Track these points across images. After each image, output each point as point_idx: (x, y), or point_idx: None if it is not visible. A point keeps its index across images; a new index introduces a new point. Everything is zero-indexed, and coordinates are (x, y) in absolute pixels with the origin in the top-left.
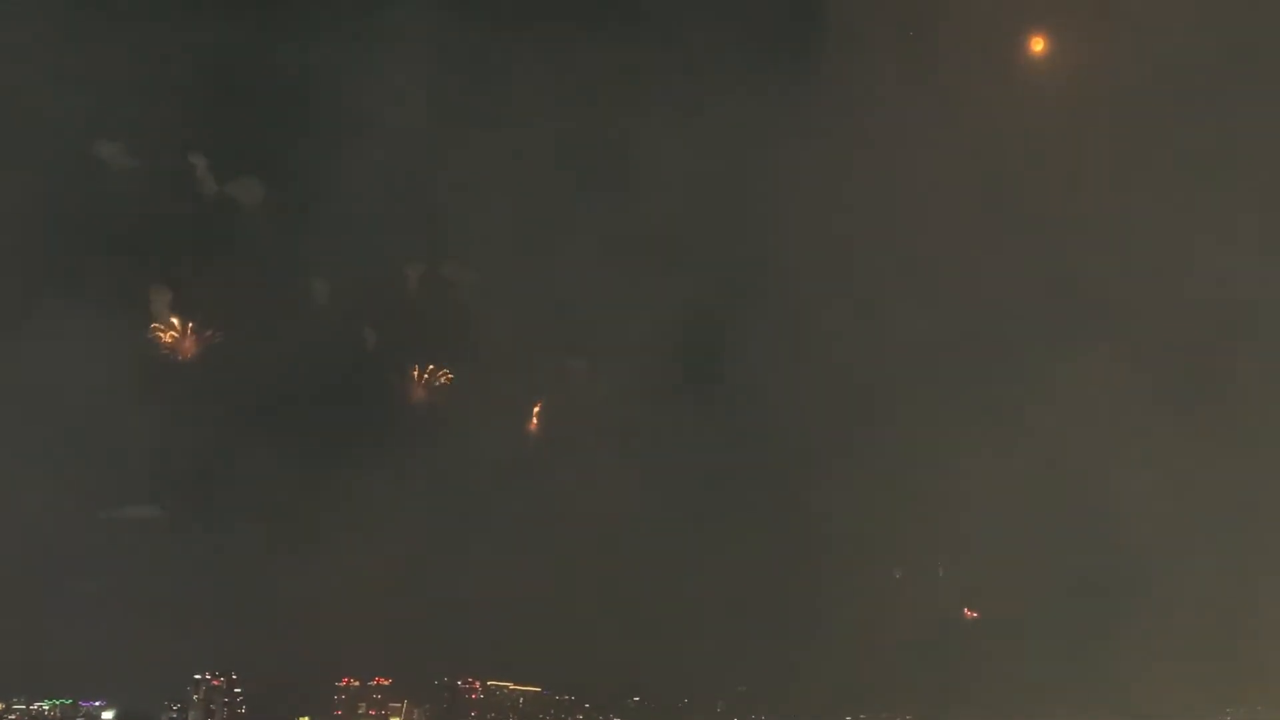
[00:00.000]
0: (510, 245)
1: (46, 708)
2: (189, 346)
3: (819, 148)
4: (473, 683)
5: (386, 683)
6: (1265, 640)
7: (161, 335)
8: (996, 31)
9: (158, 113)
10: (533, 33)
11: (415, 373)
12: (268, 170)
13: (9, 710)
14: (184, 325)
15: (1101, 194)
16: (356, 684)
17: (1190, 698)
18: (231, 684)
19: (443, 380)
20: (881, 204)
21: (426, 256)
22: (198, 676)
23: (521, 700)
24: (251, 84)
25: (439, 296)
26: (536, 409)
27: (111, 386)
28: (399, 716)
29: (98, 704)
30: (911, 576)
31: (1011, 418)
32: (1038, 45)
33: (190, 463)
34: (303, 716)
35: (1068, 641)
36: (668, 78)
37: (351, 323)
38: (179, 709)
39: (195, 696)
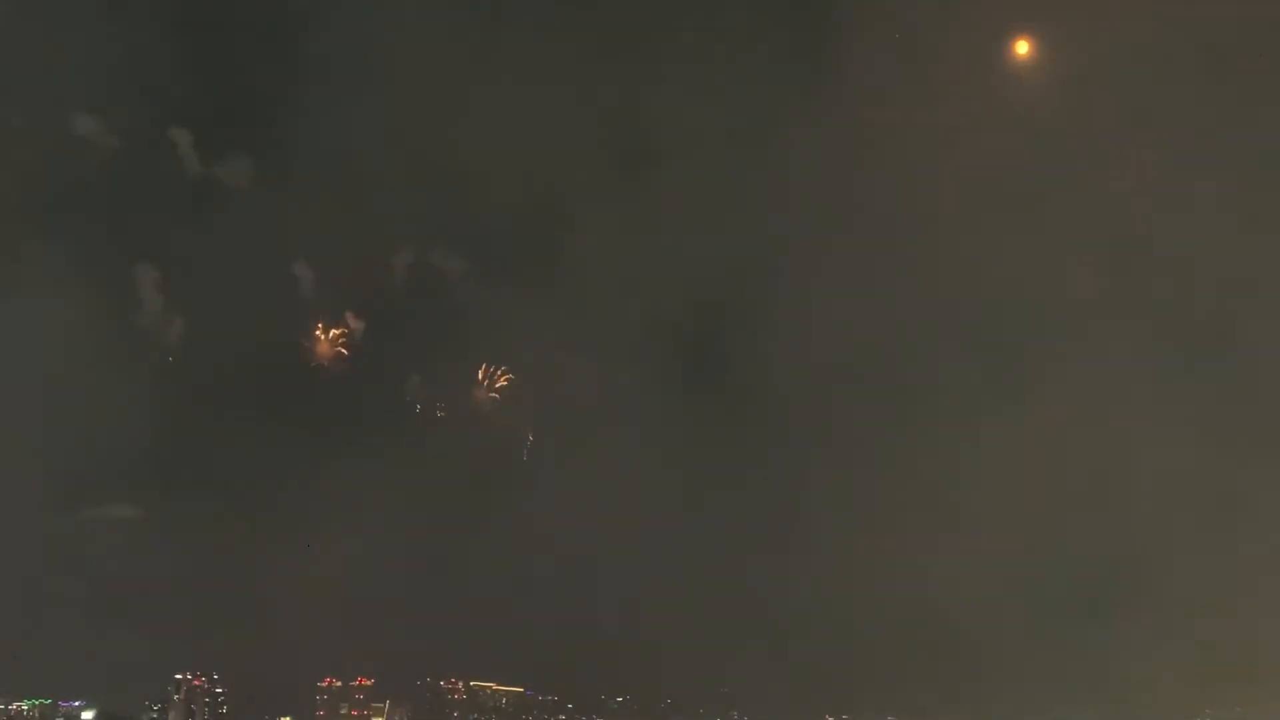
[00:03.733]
0: (509, 229)
1: (25, 708)
2: (167, 335)
3: (827, 138)
4: (455, 683)
5: (368, 683)
6: (1247, 642)
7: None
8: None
9: (139, 87)
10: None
11: (404, 365)
12: (255, 146)
13: None
14: (163, 312)
15: (1107, 185)
16: (338, 684)
17: (1171, 696)
18: (213, 684)
19: (432, 374)
20: (888, 193)
21: (419, 240)
22: (178, 676)
23: (504, 701)
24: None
25: (431, 283)
26: (525, 407)
27: (86, 379)
28: (381, 717)
29: (77, 704)
30: (896, 578)
31: (1005, 419)
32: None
33: (171, 458)
34: (284, 716)
35: (1051, 641)
36: (669, 61)
37: (339, 311)
38: (159, 709)
39: (176, 696)
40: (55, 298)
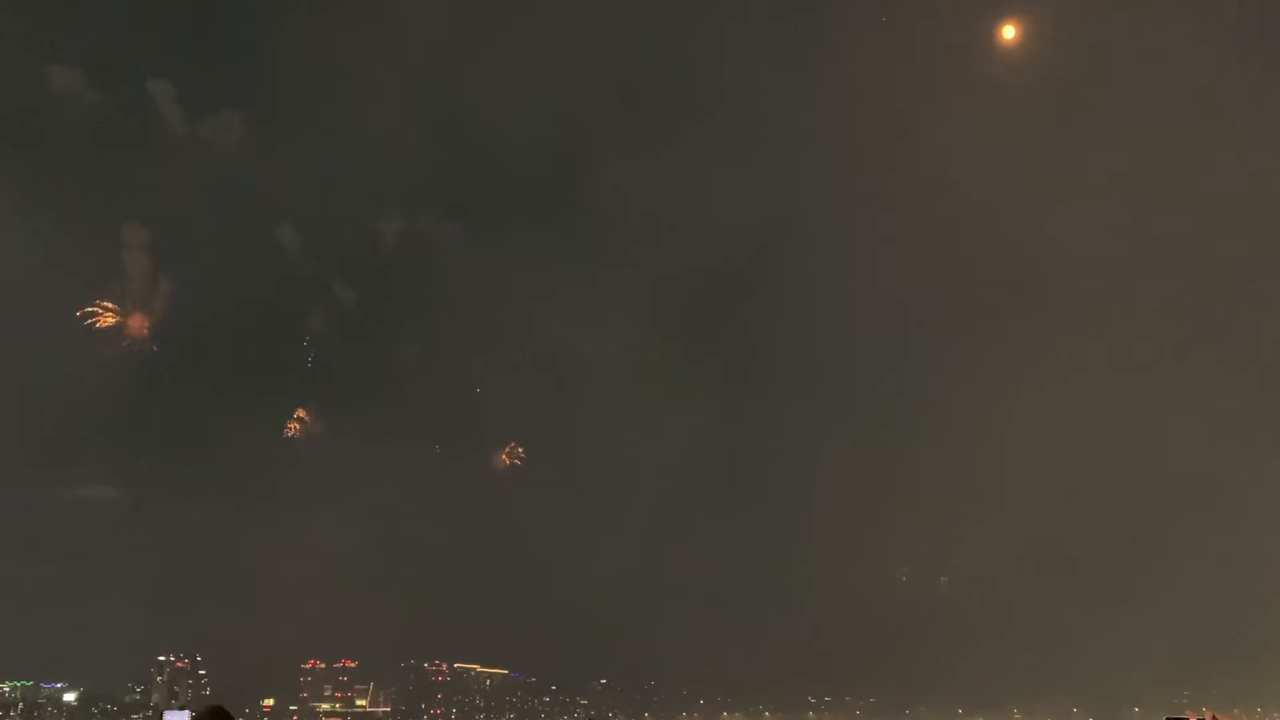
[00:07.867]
0: (510, 199)
1: (7, 689)
2: (151, 312)
3: (853, 99)
4: (440, 665)
5: (353, 665)
6: (1228, 632)
7: (110, 308)
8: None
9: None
10: None
11: (394, 342)
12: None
13: None
14: (147, 287)
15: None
16: (322, 666)
17: (1150, 683)
18: (196, 665)
19: (427, 345)
20: (917, 161)
21: (420, 200)
22: (161, 658)
23: (489, 682)
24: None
25: (427, 253)
26: (515, 390)
27: (61, 353)
28: (365, 699)
29: (59, 686)
30: (883, 566)
31: (1000, 410)
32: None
33: (154, 438)
34: (268, 698)
35: (1034, 629)
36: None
37: (330, 283)
38: (142, 690)
39: (159, 678)
40: (28, 266)
